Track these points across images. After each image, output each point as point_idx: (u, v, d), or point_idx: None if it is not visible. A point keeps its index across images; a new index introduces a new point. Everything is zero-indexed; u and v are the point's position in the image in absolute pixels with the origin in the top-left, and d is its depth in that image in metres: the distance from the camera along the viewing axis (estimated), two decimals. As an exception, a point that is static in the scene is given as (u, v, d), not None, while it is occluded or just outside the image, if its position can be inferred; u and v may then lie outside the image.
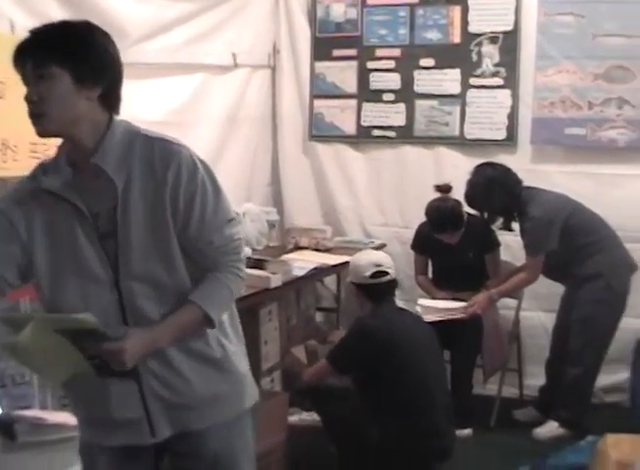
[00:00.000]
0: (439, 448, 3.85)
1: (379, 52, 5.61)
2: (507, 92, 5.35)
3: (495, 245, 5.05)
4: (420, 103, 5.54)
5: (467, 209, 4.84)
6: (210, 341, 2.28)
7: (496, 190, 4.50)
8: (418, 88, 5.56)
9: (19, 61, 2.09)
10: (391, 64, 5.57)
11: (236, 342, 2.38)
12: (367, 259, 4.05)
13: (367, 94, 5.68)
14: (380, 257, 4.12)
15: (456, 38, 5.39)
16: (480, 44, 5.34)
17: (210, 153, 4.77)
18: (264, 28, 5.70)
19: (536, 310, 5.37)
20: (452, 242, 4.81)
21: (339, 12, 5.68)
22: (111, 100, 2.20)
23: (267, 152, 5.90)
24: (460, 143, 5.46)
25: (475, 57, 5.36)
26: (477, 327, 4.77)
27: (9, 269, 2.19)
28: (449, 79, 5.47)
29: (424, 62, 5.48)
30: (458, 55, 5.39)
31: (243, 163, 5.53)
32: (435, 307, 4.74)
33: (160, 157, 2.15)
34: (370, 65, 5.66)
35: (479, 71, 5.40)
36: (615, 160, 5.13)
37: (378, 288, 3.98)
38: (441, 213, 4.74)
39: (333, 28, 5.71)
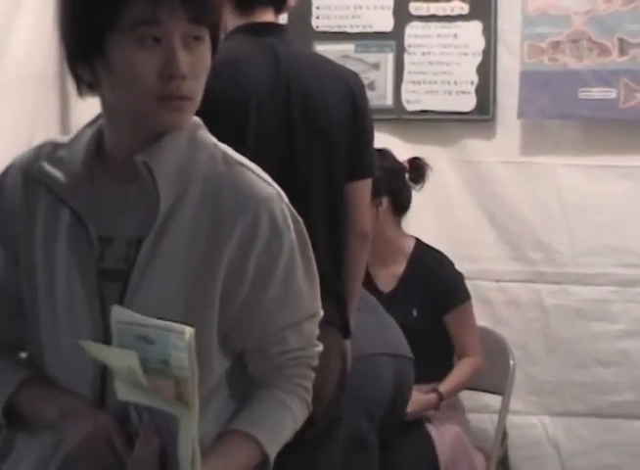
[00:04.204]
0: None
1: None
2: (476, 26, 4.07)
3: (461, 297, 3.82)
4: (322, 48, 4.13)
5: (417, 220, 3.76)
6: None
7: None
8: (318, 23, 4.22)
9: None
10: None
11: None
12: None
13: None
14: None
15: None
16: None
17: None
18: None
19: (538, 413, 4.06)
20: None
21: None
22: None
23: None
24: (395, 119, 4.16)
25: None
26: (424, 459, 3.47)
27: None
28: (374, 6, 4.16)
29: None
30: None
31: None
32: None
33: (235, 194, 1.76)
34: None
35: (426, -9, 4.11)
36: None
37: None
38: None
39: None
